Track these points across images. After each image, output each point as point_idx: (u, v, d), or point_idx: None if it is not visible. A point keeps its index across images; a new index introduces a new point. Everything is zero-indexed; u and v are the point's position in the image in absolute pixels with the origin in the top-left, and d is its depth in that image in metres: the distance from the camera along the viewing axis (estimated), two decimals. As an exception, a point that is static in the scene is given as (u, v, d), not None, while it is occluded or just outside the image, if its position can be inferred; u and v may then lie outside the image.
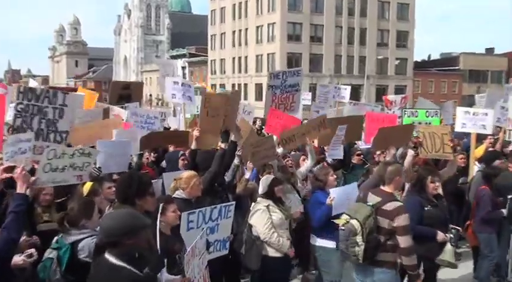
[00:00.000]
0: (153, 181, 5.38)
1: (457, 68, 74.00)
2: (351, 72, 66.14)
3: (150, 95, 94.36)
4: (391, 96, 16.18)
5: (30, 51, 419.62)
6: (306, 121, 9.99)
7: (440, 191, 6.76)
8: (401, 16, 68.88)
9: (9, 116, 8.70)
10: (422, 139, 7.97)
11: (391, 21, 68.16)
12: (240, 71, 70.99)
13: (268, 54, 64.72)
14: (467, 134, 10.77)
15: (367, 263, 5.65)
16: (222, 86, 71.93)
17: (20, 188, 4.49)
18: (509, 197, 7.35)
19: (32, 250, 4.74)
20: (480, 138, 10.70)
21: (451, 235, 6.32)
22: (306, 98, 16.18)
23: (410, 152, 7.86)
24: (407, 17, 69.36)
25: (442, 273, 7.20)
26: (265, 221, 6.48)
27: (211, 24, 77.53)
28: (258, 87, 64.03)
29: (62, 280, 4.62)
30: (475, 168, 9.46)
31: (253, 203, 6.75)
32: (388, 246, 5.63)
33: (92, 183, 6.01)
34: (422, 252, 6.08)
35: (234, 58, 72.06)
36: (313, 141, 8.44)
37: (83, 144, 7.67)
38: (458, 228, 6.61)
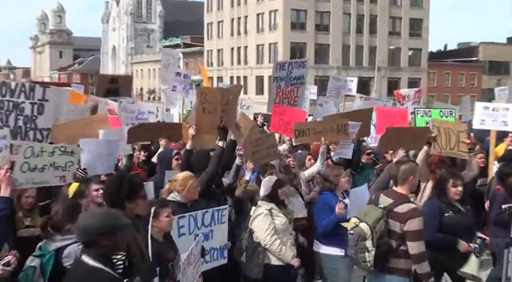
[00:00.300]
0: (144, 183, 5.39)
1: (475, 59, 73.94)
2: (360, 64, 66.07)
3: (141, 89, 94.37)
4: (403, 90, 16.15)
5: (10, 41, 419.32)
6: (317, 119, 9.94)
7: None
8: (415, 2, 68.82)
9: None
10: (437, 134, 7.94)
11: (404, 8, 68.09)
12: (239, 63, 70.93)
13: (270, 44, 64.66)
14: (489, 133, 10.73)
15: (378, 270, 5.66)
16: (220, 79, 71.90)
17: (4, 191, 4.50)
18: (504, 206, 7.06)
19: (9, 257, 4.73)
20: (500, 136, 10.68)
21: (476, 245, 6.21)
22: (312, 92, 16.18)
23: (424, 148, 7.87)
24: (421, 3, 69.30)
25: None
26: (266, 226, 6.49)
27: (208, 11, 77.47)
28: (259, 80, 64.01)
29: (47, 290, 4.63)
30: (494, 168, 9.45)
31: (253, 207, 6.74)
32: (400, 251, 5.63)
33: (77, 184, 6.02)
34: (443, 263, 6.05)
35: (232, 48, 71.99)
36: (325, 143, 8.38)
37: (67, 143, 7.67)
38: (486, 237, 6.48)
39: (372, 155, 9.89)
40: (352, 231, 5.68)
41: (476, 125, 10.33)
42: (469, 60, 73.43)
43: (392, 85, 63.83)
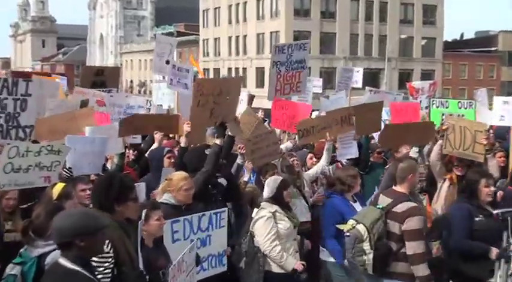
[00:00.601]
0: (136, 184, 5.40)
1: (494, 49, 73.93)
2: (369, 54, 66.02)
3: (131, 81, 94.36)
4: (416, 83, 16.12)
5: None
6: (322, 113, 9.96)
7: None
8: (429, -13, 68.82)
9: None
10: (451, 132, 7.92)
11: (417, -6, 68.12)
12: (237, 53, 70.86)
13: (271, 33, 64.59)
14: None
15: (378, 275, 5.70)
16: (216, 70, 71.92)
17: None
18: (496, 211, 7.02)
19: None
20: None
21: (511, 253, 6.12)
22: (316, 84, 16.21)
23: (438, 142, 7.87)
24: (435, -12, 69.31)
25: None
26: (267, 230, 6.48)
27: (204, -4, 77.47)
28: (259, 71, 63.93)
29: (29, 300, 4.65)
30: (516, 168, 9.44)
31: (255, 209, 6.73)
32: (401, 254, 5.69)
33: (63, 184, 6.01)
34: (472, 272, 6.05)
35: (230, 37, 71.92)
36: (333, 139, 8.39)
37: (48, 140, 7.65)
38: None
39: (383, 153, 9.90)
40: (348, 234, 5.75)
41: (495, 121, 10.31)
42: (487, 51, 73.39)
43: (404, 77, 63.73)
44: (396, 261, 5.70)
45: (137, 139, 9.68)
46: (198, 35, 78.22)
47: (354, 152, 8.72)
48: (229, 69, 69.99)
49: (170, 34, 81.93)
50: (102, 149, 7.60)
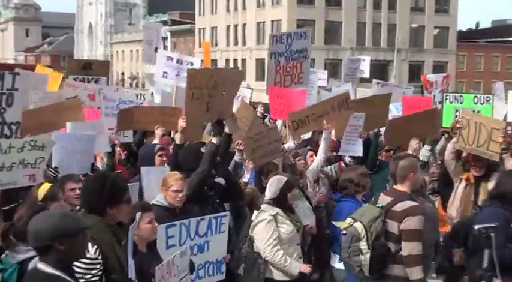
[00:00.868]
0: (129, 184, 5.40)
1: (512, 39, 73.91)
2: (377, 45, 65.97)
3: (122, 74, 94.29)
4: (431, 76, 16.08)
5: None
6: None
7: None
8: (442, -27, 68.76)
9: None
10: (465, 127, 7.88)
11: (429, -20, 68.06)
12: (236, 43, 70.82)
13: (272, 22, 64.54)
14: None
15: (376, 278, 5.73)
16: (214, 62, 71.76)
17: None
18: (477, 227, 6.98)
19: None
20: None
21: None
22: (321, 77, 16.22)
23: (452, 140, 7.87)
24: (449, -26, 69.24)
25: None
26: (268, 235, 6.47)
27: (200, -18, 77.38)
28: (260, 63, 63.84)
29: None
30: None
31: (255, 212, 6.72)
32: (400, 256, 5.72)
33: (49, 185, 6.01)
34: None
35: (228, 26, 71.87)
36: (328, 127, 8.36)
37: (34, 133, 7.64)
38: None
39: (392, 151, 9.90)
40: (345, 232, 5.79)
41: (511, 117, 10.33)
42: (504, 41, 73.25)
43: (415, 69, 63.78)
44: (394, 263, 5.74)
45: (128, 138, 9.67)
46: (194, 23, 78.13)
47: (358, 150, 8.73)
48: (227, 60, 69.95)
49: (164, 23, 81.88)
50: (91, 147, 7.59)
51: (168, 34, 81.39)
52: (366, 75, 15.45)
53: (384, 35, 66.56)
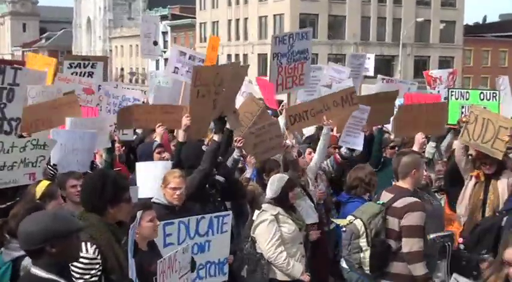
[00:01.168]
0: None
1: (520, 33, 73.79)
2: (381, 40, 65.91)
3: (122, 69, 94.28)
4: (434, 72, 16.07)
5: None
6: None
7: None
8: (448, -34, 68.66)
9: None
10: (472, 122, 7.85)
11: (435, -27, 67.98)
12: (237, 38, 70.77)
13: (274, 16, 64.50)
14: None
15: (377, 276, 5.74)
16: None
17: None
18: (432, 236, 6.58)
19: None
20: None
21: None
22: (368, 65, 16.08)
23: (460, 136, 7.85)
24: (455, -34, 69.14)
25: None
26: (271, 236, 6.47)
27: (201, -24, 77.32)
28: (262, 58, 63.82)
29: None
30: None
31: (256, 211, 6.72)
32: (401, 254, 5.73)
33: (47, 182, 6.02)
34: None
35: (230, 21, 71.83)
36: (328, 123, 8.35)
37: (32, 130, 7.64)
38: None
39: (397, 148, 9.89)
40: (344, 229, 5.83)
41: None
42: (512, 35, 73.24)
43: (420, 65, 63.61)
44: (395, 261, 5.76)
45: (128, 136, 9.67)
46: (195, 18, 78.10)
47: (358, 143, 8.72)
48: (229, 55, 69.86)
49: (164, 17, 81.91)
50: (92, 146, 7.60)
51: (168, 29, 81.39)
52: (371, 73, 15.44)
53: (388, 29, 66.49)
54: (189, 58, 12.27)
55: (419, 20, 63.81)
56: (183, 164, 6.94)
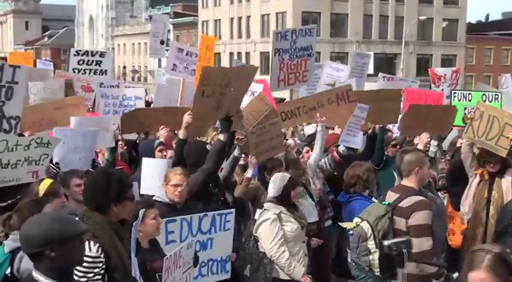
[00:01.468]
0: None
1: (523, 31, 73.65)
2: (384, 38, 65.84)
3: (124, 67, 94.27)
4: (439, 70, 16.04)
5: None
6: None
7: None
8: (451, -36, 68.56)
9: None
10: (477, 119, 7.80)
11: (438, -29, 67.86)
12: (240, 36, 70.74)
13: (277, 14, 64.48)
14: None
15: (387, 277, 5.75)
16: (217, 55, 71.65)
17: None
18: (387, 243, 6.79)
19: None
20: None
21: None
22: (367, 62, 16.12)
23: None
24: (458, -36, 69.02)
25: None
26: (273, 234, 6.48)
27: (203, -26, 77.28)
28: (264, 56, 63.79)
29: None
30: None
31: (258, 210, 6.73)
32: (410, 254, 5.67)
33: (50, 181, 6.05)
34: None
35: (232, 19, 71.79)
36: (321, 120, 8.35)
37: (35, 130, 7.66)
38: None
39: (398, 146, 9.89)
40: (351, 232, 5.80)
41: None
42: (515, 34, 73.11)
43: (422, 63, 63.58)
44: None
45: (131, 135, 9.69)
46: (197, 16, 78.07)
47: (357, 143, 8.72)
48: (231, 53, 69.85)
49: (166, 15, 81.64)
50: (94, 144, 7.62)
51: (171, 27, 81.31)
52: (371, 71, 15.43)
53: (391, 27, 66.40)
54: (186, 54, 12.25)
55: (421, 18, 63.74)
56: (184, 162, 6.94)
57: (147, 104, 11.73)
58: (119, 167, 8.20)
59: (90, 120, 8.27)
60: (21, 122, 7.45)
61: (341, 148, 8.59)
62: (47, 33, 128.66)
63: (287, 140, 9.21)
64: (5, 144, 5.63)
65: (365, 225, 5.71)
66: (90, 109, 10.05)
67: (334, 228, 8.38)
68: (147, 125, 9.06)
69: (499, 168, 7.40)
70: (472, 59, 70.98)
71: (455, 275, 5.05)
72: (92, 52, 11.96)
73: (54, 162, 7.09)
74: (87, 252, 4.14)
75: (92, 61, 11.80)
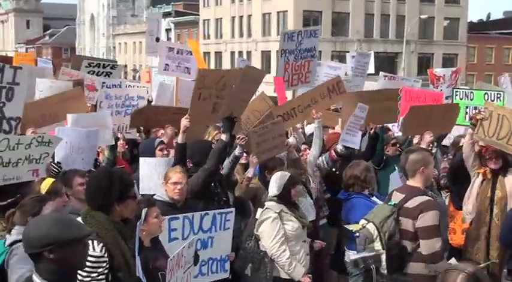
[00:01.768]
0: None
1: (524, 30, 73.60)
2: (385, 36, 65.81)
3: (125, 66, 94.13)
4: (438, 70, 16.04)
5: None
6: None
7: None
8: (452, -38, 68.51)
9: None
10: (487, 119, 7.76)
11: (439, -30, 67.82)
12: (241, 35, 70.72)
13: (278, 13, 64.43)
14: None
15: (396, 277, 5.75)
16: (218, 54, 71.80)
17: None
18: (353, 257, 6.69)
19: None
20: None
21: None
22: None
23: (469, 132, 7.83)
24: (459, -37, 68.98)
25: None
26: (275, 232, 6.49)
27: (204, -27, 77.26)
28: (266, 55, 63.88)
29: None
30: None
31: (259, 209, 6.74)
32: (417, 254, 5.72)
33: (52, 180, 6.06)
34: None
35: (233, 17, 71.76)
36: (318, 116, 8.38)
37: (34, 126, 7.66)
38: None
39: (398, 145, 9.88)
40: (358, 234, 5.80)
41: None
42: (516, 33, 73.06)
43: (424, 62, 63.56)
44: (413, 262, 5.73)
45: (131, 134, 9.70)
46: (198, 15, 78.06)
47: (356, 142, 8.74)
48: (232, 52, 69.86)
49: (167, 14, 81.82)
50: (95, 143, 7.63)
51: (172, 26, 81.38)
52: (371, 70, 15.43)
53: (392, 26, 66.36)
54: (177, 52, 12.21)
55: (423, 17, 63.77)
56: (183, 164, 6.96)
57: (148, 102, 11.71)
58: (120, 166, 8.21)
59: (87, 117, 8.25)
60: (24, 118, 7.46)
61: (339, 147, 8.60)
62: (48, 32, 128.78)
63: (288, 138, 9.22)
64: (6, 142, 5.65)
65: (371, 227, 5.70)
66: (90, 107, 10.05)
67: (329, 227, 8.40)
68: (155, 122, 9.06)
69: (500, 165, 7.40)
70: (474, 58, 70.95)
71: None
72: (103, 64, 11.96)
73: (56, 161, 7.11)
74: (91, 252, 4.14)
75: (102, 72, 11.86)
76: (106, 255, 4.32)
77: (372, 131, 8.82)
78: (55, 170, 7.03)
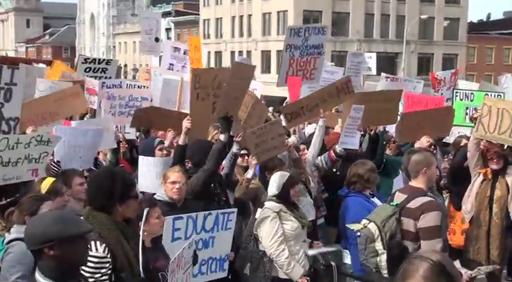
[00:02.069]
0: None
1: (524, 31, 73.59)
2: (385, 37, 65.78)
3: (125, 65, 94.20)
4: (440, 73, 16.00)
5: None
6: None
7: None
8: (452, -38, 68.49)
9: None
10: (486, 114, 7.71)
11: (439, -30, 67.80)
12: (241, 35, 70.70)
13: (278, 13, 64.41)
14: None
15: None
16: (218, 53, 71.79)
17: None
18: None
19: None
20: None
21: None
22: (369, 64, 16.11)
23: (473, 131, 7.82)
24: (459, -37, 68.96)
25: None
26: (273, 232, 6.49)
27: (204, -28, 77.24)
28: (266, 55, 63.91)
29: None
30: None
31: (258, 209, 6.74)
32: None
33: (52, 179, 6.06)
34: None
35: (233, 17, 71.75)
36: (324, 115, 8.41)
37: (34, 125, 7.66)
38: None
39: (396, 143, 9.86)
40: (359, 233, 5.80)
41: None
42: (516, 33, 73.05)
43: (424, 62, 63.59)
44: None
45: (130, 135, 9.69)
46: (198, 14, 78.05)
47: (355, 143, 8.76)
48: (232, 52, 69.83)
49: (168, 13, 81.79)
50: (96, 142, 7.62)
51: (172, 25, 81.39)
52: (374, 72, 15.44)
53: (392, 26, 66.34)
54: (184, 53, 12.17)
55: (423, 17, 63.75)
56: (183, 164, 6.97)
57: None
58: (120, 165, 8.22)
59: (90, 122, 8.29)
60: (23, 117, 7.47)
61: (338, 148, 8.62)
62: (48, 31, 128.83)
63: (289, 136, 9.23)
64: (5, 142, 5.66)
65: (372, 227, 5.70)
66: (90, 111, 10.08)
67: (327, 226, 8.41)
68: (157, 124, 9.06)
69: (501, 166, 7.40)
70: (474, 58, 70.93)
71: None
72: (99, 60, 11.97)
73: (55, 160, 7.11)
74: (93, 253, 4.15)
75: (98, 68, 11.87)
76: (109, 255, 4.33)
77: (372, 133, 8.83)
78: (55, 169, 7.04)
